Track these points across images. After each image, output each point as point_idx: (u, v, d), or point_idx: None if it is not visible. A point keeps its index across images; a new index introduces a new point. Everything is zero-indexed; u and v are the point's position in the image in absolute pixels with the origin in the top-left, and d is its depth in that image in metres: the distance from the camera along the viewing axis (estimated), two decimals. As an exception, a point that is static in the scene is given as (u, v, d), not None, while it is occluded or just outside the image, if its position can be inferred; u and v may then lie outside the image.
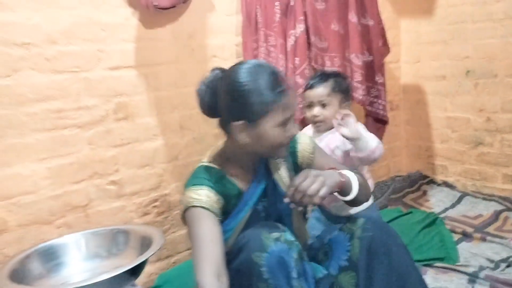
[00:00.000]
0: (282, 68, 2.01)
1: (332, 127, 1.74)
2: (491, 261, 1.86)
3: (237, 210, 1.25)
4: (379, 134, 2.21)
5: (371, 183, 1.86)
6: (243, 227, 1.24)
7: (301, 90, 1.90)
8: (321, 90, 1.71)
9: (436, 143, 2.81)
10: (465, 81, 2.60)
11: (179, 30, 1.92)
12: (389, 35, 2.37)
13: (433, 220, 2.26)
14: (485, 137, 2.57)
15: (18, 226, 1.57)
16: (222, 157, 1.28)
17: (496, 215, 2.31)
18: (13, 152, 1.54)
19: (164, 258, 1.95)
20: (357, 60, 2.11)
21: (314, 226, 1.79)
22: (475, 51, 2.54)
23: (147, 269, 1.59)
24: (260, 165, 1.28)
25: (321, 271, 1.27)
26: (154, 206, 1.91)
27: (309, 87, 1.75)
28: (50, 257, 1.52)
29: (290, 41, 2.05)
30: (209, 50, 2.03)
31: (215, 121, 1.26)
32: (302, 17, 2.04)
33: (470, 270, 1.77)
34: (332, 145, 1.73)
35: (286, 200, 1.13)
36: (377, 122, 2.26)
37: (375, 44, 2.18)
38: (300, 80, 2.02)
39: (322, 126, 1.75)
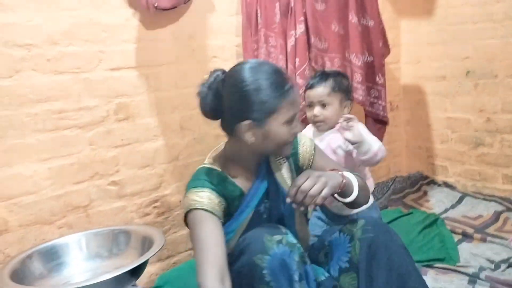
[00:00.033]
0: (283, 69, 2.01)
1: (332, 127, 1.75)
2: (492, 261, 1.86)
3: (239, 211, 1.25)
4: (379, 134, 2.21)
5: (371, 183, 1.86)
6: (245, 229, 1.23)
7: (301, 90, 1.90)
8: (321, 90, 1.72)
9: (436, 143, 2.81)
10: (465, 82, 2.61)
11: (179, 30, 1.93)
12: (389, 36, 2.38)
13: (434, 221, 2.26)
14: (485, 137, 2.57)
15: (19, 226, 1.57)
16: (223, 158, 1.28)
17: (497, 216, 2.31)
18: (14, 152, 1.54)
19: (164, 258, 1.95)
20: (357, 60, 2.11)
21: (316, 226, 1.80)
22: (475, 51, 2.54)
23: (148, 269, 1.59)
24: (262, 165, 1.28)
25: (323, 274, 1.27)
26: (155, 207, 1.91)
27: (309, 87, 1.75)
28: (51, 257, 1.52)
29: (290, 42, 2.05)
30: (210, 51, 2.03)
31: (215, 122, 1.26)
32: (302, 18, 2.04)
33: (471, 270, 1.77)
34: (334, 145, 1.74)
35: (288, 200, 1.13)
36: (377, 123, 2.25)
37: (375, 44, 2.18)
38: (300, 81, 2.02)
39: (323, 126, 1.76)
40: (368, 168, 1.85)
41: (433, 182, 2.82)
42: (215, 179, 1.22)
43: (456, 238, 2.11)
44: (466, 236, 2.12)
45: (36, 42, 1.57)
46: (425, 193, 2.72)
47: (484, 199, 2.52)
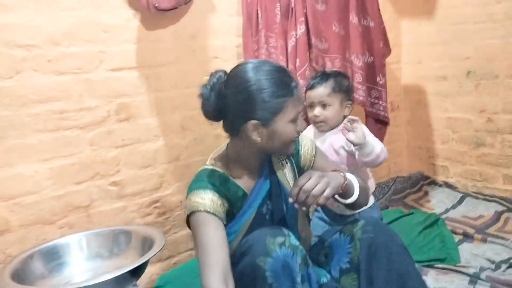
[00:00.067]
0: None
1: (333, 128, 1.75)
2: (492, 262, 1.86)
3: (242, 212, 1.24)
4: (380, 135, 2.21)
5: (373, 183, 1.86)
6: (247, 230, 1.23)
7: (302, 91, 1.90)
8: (321, 91, 1.72)
9: (437, 143, 2.81)
10: (466, 82, 2.60)
11: (180, 31, 1.93)
12: (390, 36, 2.38)
13: (434, 221, 2.26)
14: (486, 138, 2.57)
15: (20, 226, 1.57)
16: (225, 159, 1.28)
17: (497, 216, 2.30)
18: (15, 152, 1.55)
19: (165, 258, 1.96)
20: (358, 61, 2.11)
21: (318, 227, 1.80)
22: (476, 51, 2.54)
23: (148, 269, 1.59)
24: (265, 165, 1.28)
25: (325, 276, 1.27)
26: (155, 207, 1.91)
27: (310, 87, 1.75)
28: (52, 257, 1.52)
29: (291, 42, 2.05)
30: (210, 51, 2.03)
31: (216, 122, 1.25)
32: (302, 18, 2.04)
33: (471, 271, 1.77)
34: (337, 145, 1.74)
35: (291, 200, 1.13)
36: (378, 123, 2.25)
37: (376, 45, 2.18)
38: (301, 81, 2.02)
39: (323, 127, 1.76)
40: (370, 168, 1.85)
41: (433, 183, 2.82)
42: (217, 180, 1.22)
43: (457, 238, 2.11)
44: (466, 236, 2.12)
45: (37, 43, 1.57)
46: (426, 193, 2.72)
47: (484, 199, 2.52)
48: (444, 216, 2.38)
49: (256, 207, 1.25)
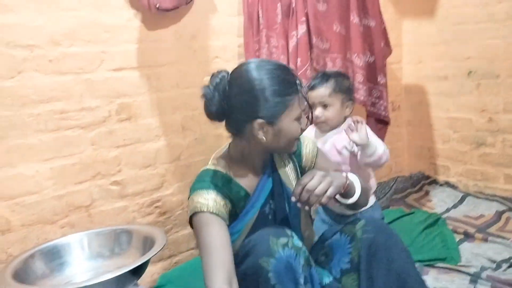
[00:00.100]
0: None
1: (334, 128, 1.75)
2: (493, 261, 1.86)
3: (244, 212, 1.24)
4: (381, 134, 2.21)
5: (374, 183, 1.86)
6: (250, 230, 1.23)
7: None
8: (322, 91, 1.71)
9: (438, 143, 2.81)
10: (467, 82, 2.60)
11: (181, 31, 1.93)
12: (391, 36, 2.37)
13: (435, 221, 2.25)
14: (487, 137, 2.56)
15: (22, 226, 1.58)
16: (227, 159, 1.27)
17: (498, 216, 2.30)
18: (16, 152, 1.55)
19: (166, 258, 1.96)
20: (359, 61, 2.11)
21: (320, 229, 1.80)
22: (477, 51, 2.53)
23: (149, 269, 1.59)
24: (267, 164, 1.28)
25: (327, 276, 1.27)
26: (156, 207, 1.92)
27: (311, 88, 1.75)
28: (53, 256, 1.52)
29: (292, 42, 2.05)
30: (211, 51, 2.04)
31: (216, 122, 1.25)
32: (303, 18, 2.04)
33: (472, 270, 1.77)
34: (339, 145, 1.74)
35: (293, 199, 1.13)
36: (378, 123, 2.25)
37: (377, 45, 2.18)
38: (301, 81, 2.02)
39: (324, 127, 1.76)
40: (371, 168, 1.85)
41: (435, 182, 2.82)
42: (220, 181, 1.22)
43: (458, 237, 2.11)
44: (467, 236, 2.12)
45: (38, 43, 1.58)
46: (427, 193, 2.72)
47: (485, 199, 2.52)
48: (445, 215, 2.38)
49: (259, 207, 1.25)
